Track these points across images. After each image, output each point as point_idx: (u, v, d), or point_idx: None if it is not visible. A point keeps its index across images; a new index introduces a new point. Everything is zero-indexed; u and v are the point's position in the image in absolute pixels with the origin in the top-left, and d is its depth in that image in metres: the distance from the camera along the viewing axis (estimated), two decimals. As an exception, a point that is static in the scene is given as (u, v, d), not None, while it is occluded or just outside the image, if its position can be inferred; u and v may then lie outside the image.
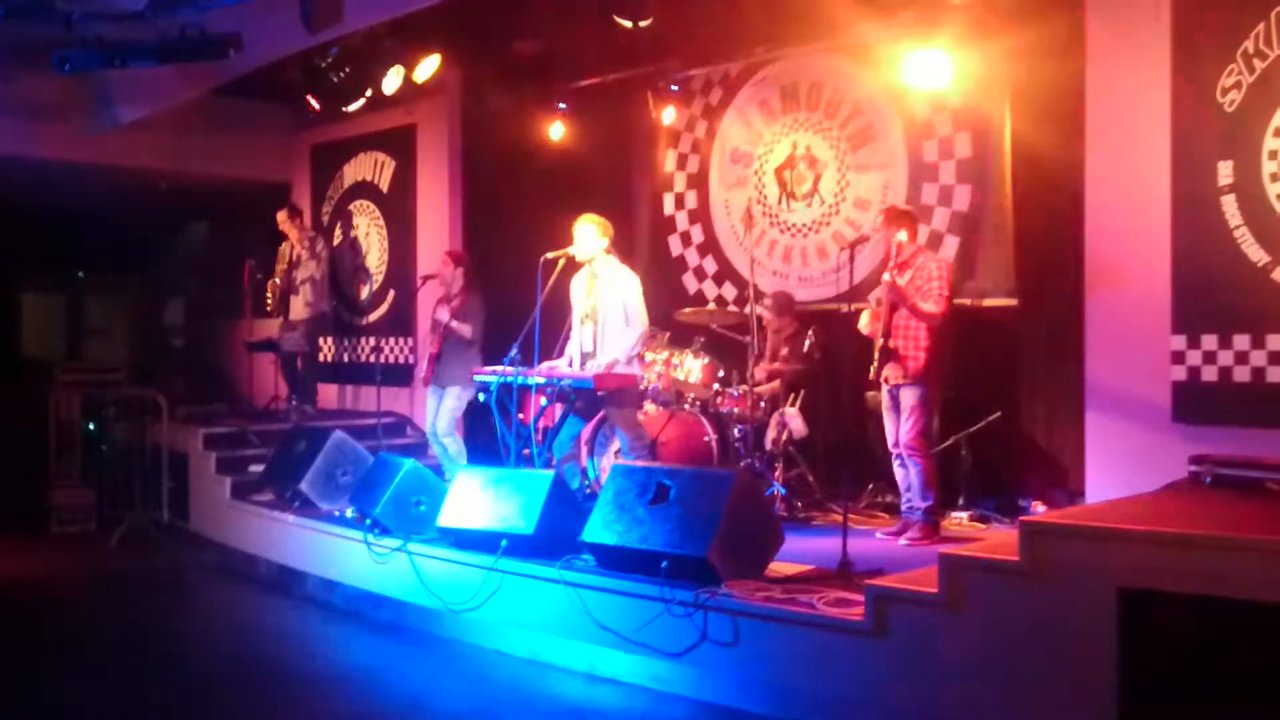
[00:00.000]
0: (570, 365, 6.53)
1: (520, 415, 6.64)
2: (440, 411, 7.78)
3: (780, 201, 8.61)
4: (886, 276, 6.10)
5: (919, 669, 4.29)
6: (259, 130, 10.98)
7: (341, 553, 6.75)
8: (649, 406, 7.53)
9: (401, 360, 10.12)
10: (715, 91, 9.01)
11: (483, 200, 9.71)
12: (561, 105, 9.34)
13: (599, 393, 6.27)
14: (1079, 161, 6.39)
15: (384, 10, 7.43)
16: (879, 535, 6.35)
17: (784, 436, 7.22)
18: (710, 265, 9.08)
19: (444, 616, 5.99)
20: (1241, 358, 5.73)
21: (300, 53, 8.17)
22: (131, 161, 10.17)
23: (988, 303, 7.35)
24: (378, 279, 10.40)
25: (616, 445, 7.02)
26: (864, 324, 6.31)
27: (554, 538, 5.57)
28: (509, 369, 6.34)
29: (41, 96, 8.61)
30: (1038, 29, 6.93)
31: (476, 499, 5.92)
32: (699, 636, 4.84)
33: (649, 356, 7.51)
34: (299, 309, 9.85)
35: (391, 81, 8.76)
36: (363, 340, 10.52)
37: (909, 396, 6.09)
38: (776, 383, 7.53)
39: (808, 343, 7.48)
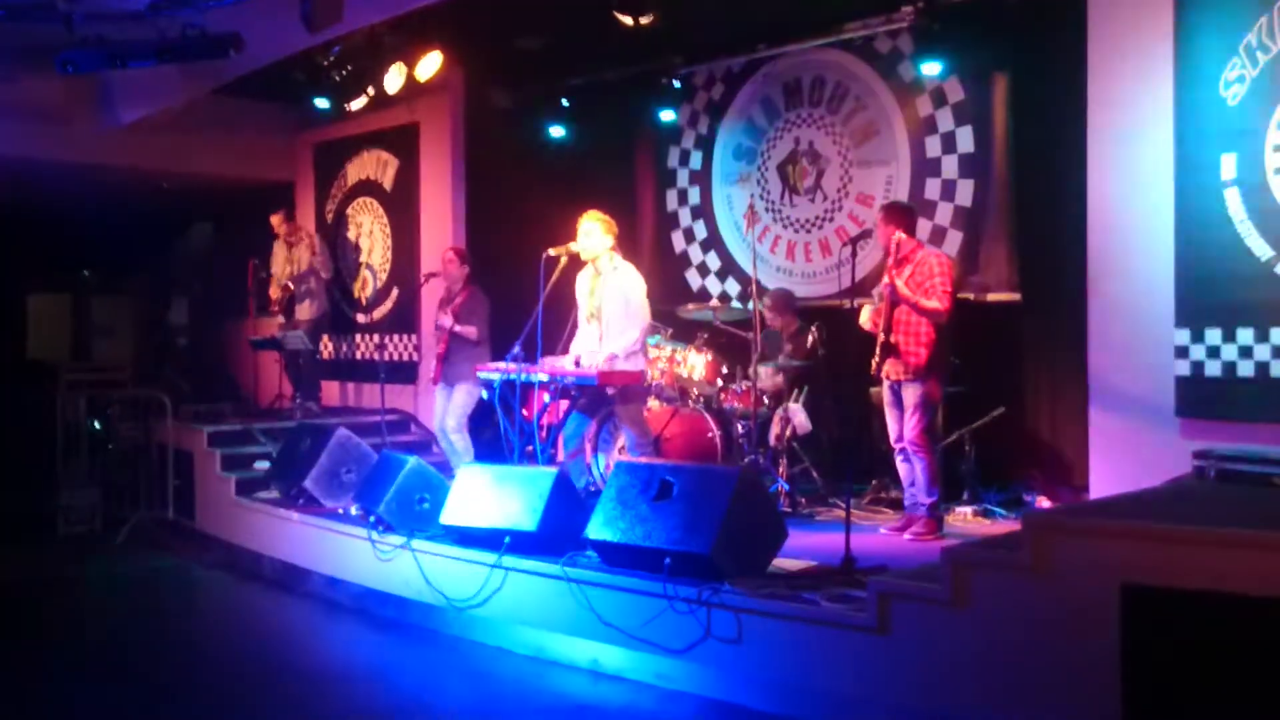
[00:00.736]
0: (575, 363, 6.52)
1: (524, 412, 6.64)
2: (449, 409, 7.81)
3: (783, 197, 8.60)
4: (886, 278, 6.09)
5: (923, 665, 4.29)
6: (261, 130, 10.99)
7: (346, 550, 6.76)
8: (653, 403, 7.53)
9: (405, 358, 10.13)
10: (717, 87, 9.00)
11: (486, 198, 9.72)
12: (564, 102, 9.34)
13: (604, 389, 6.27)
14: (1081, 155, 6.37)
15: (384, 9, 7.43)
16: (882, 531, 6.34)
17: (787, 432, 7.22)
18: (713, 261, 9.08)
19: (448, 613, 5.99)
20: (1245, 352, 5.71)
21: (302, 52, 8.17)
22: (134, 162, 10.19)
23: (991, 297, 7.35)
24: (381, 277, 10.42)
25: (621, 442, 7.03)
26: (865, 320, 6.31)
27: (557, 535, 5.57)
28: (512, 366, 6.34)
29: (44, 98, 8.62)
30: (1040, 23, 6.92)
31: (480, 496, 5.92)
32: (702, 633, 4.84)
33: (653, 353, 7.52)
34: (305, 309, 9.87)
35: (394, 80, 8.78)
36: (367, 338, 10.53)
37: (911, 392, 6.08)
38: (780, 378, 7.53)
39: (811, 339, 7.48)
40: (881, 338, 6.08)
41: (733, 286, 8.90)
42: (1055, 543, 3.99)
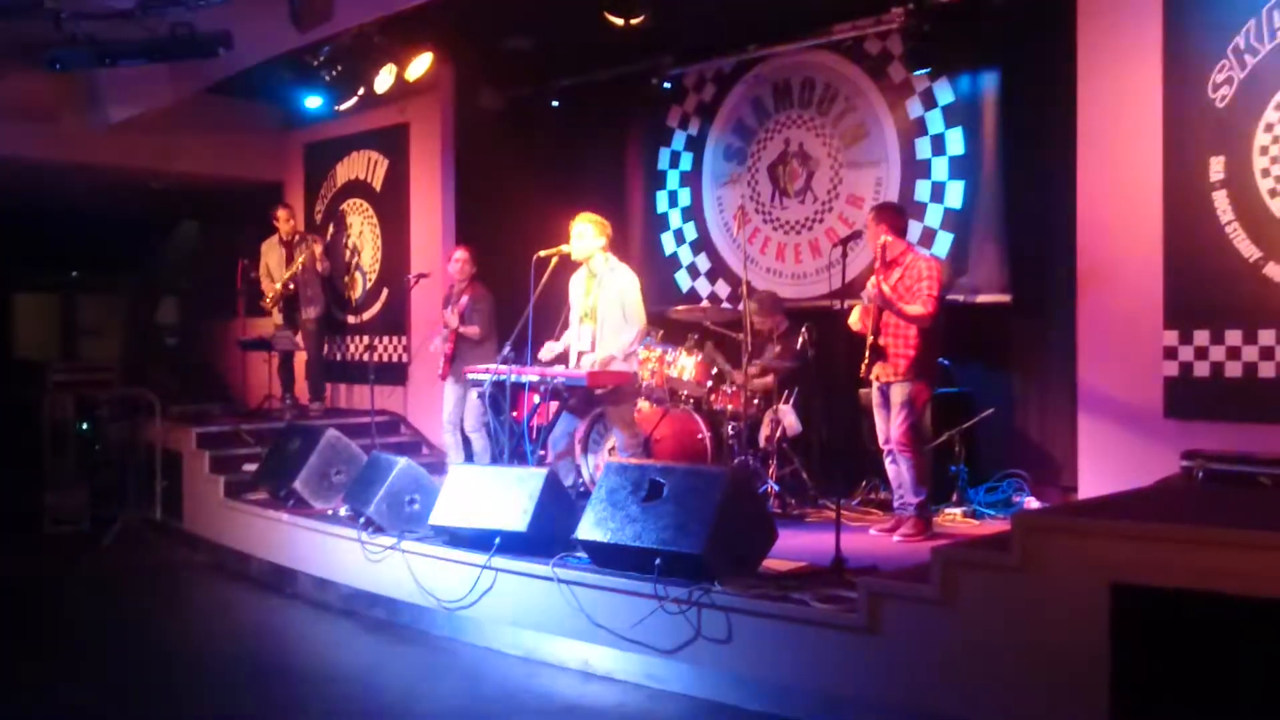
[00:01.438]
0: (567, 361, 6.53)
1: (514, 413, 6.64)
2: (466, 409, 7.88)
3: (773, 199, 8.61)
4: (873, 280, 6.10)
5: (912, 665, 4.30)
6: (250, 129, 10.96)
7: (335, 551, 6.75)
8: (643, 404, 7.53)
9: (395, 359, 10.11)
10: (708, 89, 9.01)
11: (475, 198, 9.70)
12: (554, 103, 9.33)
13: (594, 390, 6.27)
14: (1071, 157, 6.40)
15: (374, 8, 7.42)
16: (872, 532, 6.35)
17: (777, 433, 7.22)
18: (703, 263, 9.09)
19: (437, 614, 5.98)
20: (1233, 353, 5.74)
21: (291, 51, 8.15)
22: (123, 161, 10.15)
23: (980, 299, 7.37)
24: (371, 278, 10.39)
25: (611, 443, 7.02)
26: (854, 321, 6.32)
27: (548, 535, 5.56)
28: (502, 367, 6.34)
29: (32, 96, 8.59)
30: (1029, 25, 6.94)
31: (470, 497, 5.91)
32: (693, 634, 4.84)
33: (642, 354, 7.52)
34: (310, 310, 9.81)
35: (383, 80, 8.76)
36: (356, 339, 10.51)
37: (898, 393, 6.10)
38: (770, 379, 7.53)
39: (801, 339, 7.49)
40: (870, 339, 6.09)
41: (723, 288, 8.90)
42: (1044, 543, 4.01)
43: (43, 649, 5.97)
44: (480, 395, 6.74)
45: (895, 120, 7.86)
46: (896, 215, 6.36)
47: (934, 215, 7.62)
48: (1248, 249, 5.69)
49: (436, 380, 8.37)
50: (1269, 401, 5.58)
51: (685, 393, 7.53)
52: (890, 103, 7.88)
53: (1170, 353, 5.93)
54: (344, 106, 9.17)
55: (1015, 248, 7.26)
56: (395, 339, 10.15)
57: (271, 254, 9.91)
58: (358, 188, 10.54)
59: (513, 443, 6.57)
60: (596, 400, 6.46)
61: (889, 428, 6.19)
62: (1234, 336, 5.73)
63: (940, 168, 7.62)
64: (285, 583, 7.22)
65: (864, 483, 7.33)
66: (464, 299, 7.99)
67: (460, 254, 8.19)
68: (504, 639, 5.66)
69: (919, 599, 4.28)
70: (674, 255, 9.28)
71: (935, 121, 7.64)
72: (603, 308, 6.39)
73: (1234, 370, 5.73)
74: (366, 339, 10.33)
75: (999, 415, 7.03)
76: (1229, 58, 5.75)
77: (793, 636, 4.59)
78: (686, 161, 9.20)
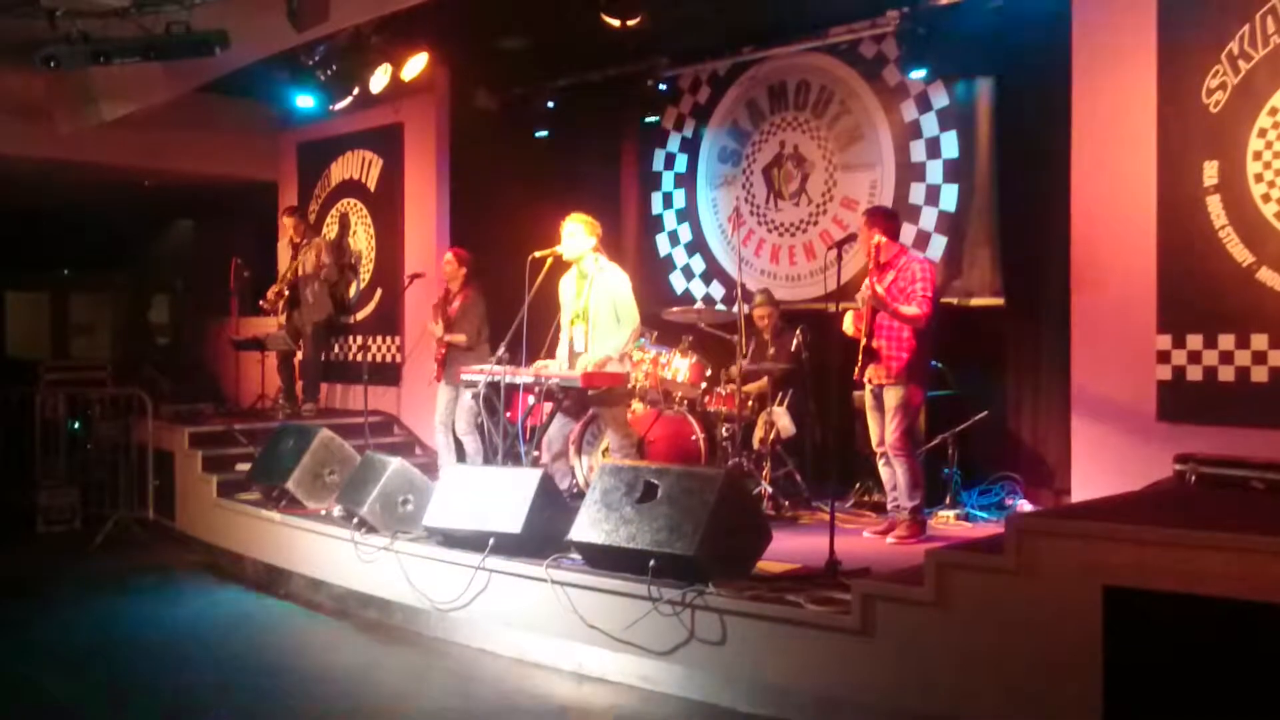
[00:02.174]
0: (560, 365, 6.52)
1: (508, 414, 6.63)
2: (459, 411, 7.89)
3: (768, 201, 8.62)
4: (867, 282, 6.11)
5: (906, 667, 4.30)
6: (245, 128, 10.94)
7: (328, 551, 6.73)
8: (636, 405, 7.53)
9: (389, 359, 10.10)
10: (703, 90, 9.01)
11: (470, 199, 9.70)
12: (549, 104, 9.33)
13: (587, 392, 6.26)
14: (1065, 161, 6.41)
15: (370, 8, 7.41)
16: (866, 534, 6.36)
17: (772, 436, 7.23)
18: (698, 264, 9.09)
19: (430, 615, 5.98)
20: (1226, 357, 5.76)
21: (286, 51, 8.14)
22: (116, 159, 10.13)
23: (974, 302, 7.38)
24: (365, 278, 10.38)
25: (605, 444, 7.02)
26: (848, 325, 6.32)
27: (541, 536, 5.56)
28: (497, 368, 6.33)
29: (25, 94, 8.55)
30: (1024, 28, 6.95)
31: (464, 498, 5.91)
32: (686, 635, 4.85)
33: (636, 355, 7.52)
34: (312, 311, 9.80)
35: (379, 80, 8.76)
36: (350, 339, 10.49)
37: (892, 396, 6.10)
38: (764, 381, 7.54)
39: (795, 342, 7.50)
40: (864, 342, 6.10)
41: (717, 289, 8.91)
42: (1038, 546, 4.02)
43: (34, 649, 5.95)
44: (474, 396, 6.73)
45: (890, 123, 7.87)
46: (890, 218, 6.38)
47: (928, 218, 7.63)
48: (1241, 254, 5.71)
49: (430, 381, 8.38)
50: (1261, 405, 5.60)
51: (679, 394, 7.53)
52: (885, 106, 7.89)
53: (1163, 356, 5.95)
54: (339, 106, 9.17)
55: (1009, 251, 7.27)
56: (389, 339, 10.14)
57: (283, 256, 9.93)
58: (352, 187, 10.53)
59: (507, 444, 6.56)
60: (590, 401, 6.46)
61: (883, 430, 6.20)
62: (1227, 341, 5.75)
63: (935, 171, 7.64)
64: (278, 583, 7.21)
65: (858, 485, 7.33)
66: (455, 303, 7.98)
67: (448, 256, 8.18)
68: (497, 640, 5.66)
69: (912, 601, 4.29)
70: (668, 257, 9.28)
71: (930, 125, 7.65)
72: (594, 308, 6.39)
73: (1227, 374, 5.75)
74: (360, 339, 10.32)
75: (992, 418, 7.04)
76: (1223, 63, 5.77)
77: (786, 638, 4.59)
78: (681, 163, 9.20)
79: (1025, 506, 6.82)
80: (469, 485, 5.96)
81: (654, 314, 8.05)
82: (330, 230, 10.61)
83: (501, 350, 6.41)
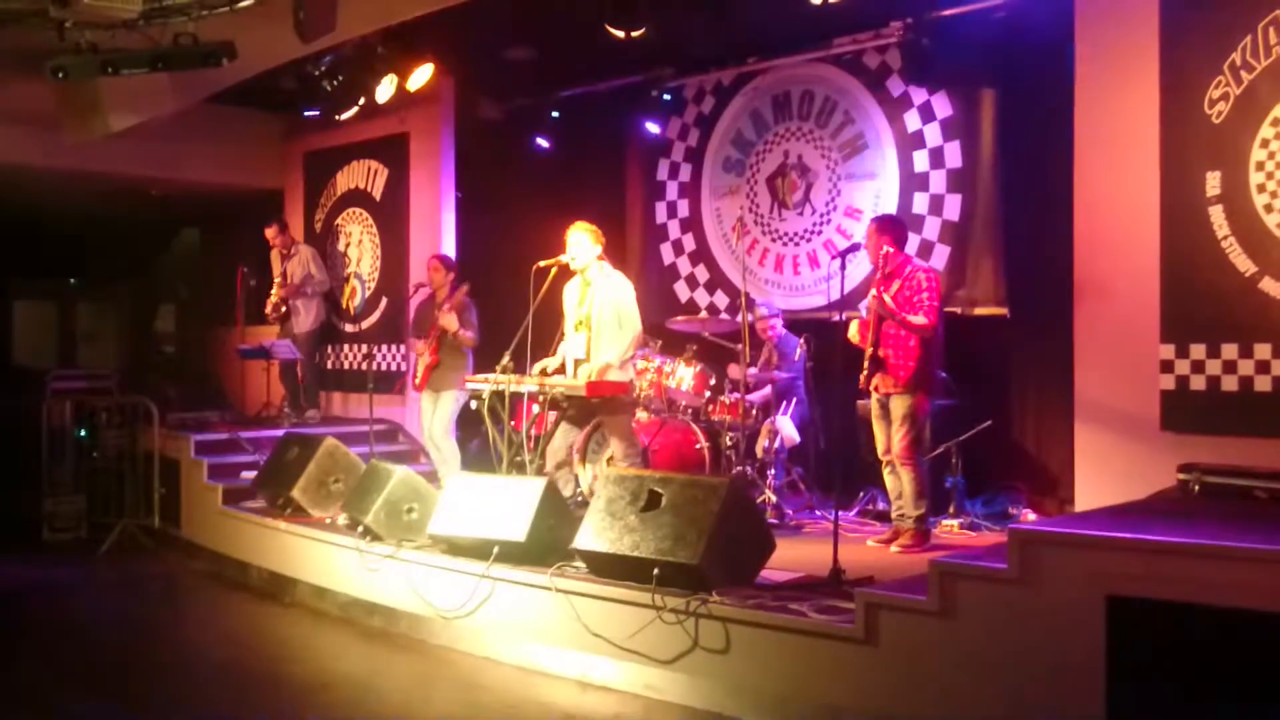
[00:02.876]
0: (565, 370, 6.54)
1: (512, 422, 6.65)
2: (437, 416, 7.83)
3: (772, 210, 8.64)
4: (874, 291, 6.12)
5: (909, 676, 4.31)
6: (251, 138, 10.99)
7: (333, 559, 6.75)
8: (641, 414, 7.55)
9: (394, 367, 10.13)
10: (707, 100, 9.05)
11: (475, 209, 9.73)
12: (554, 114, 9.36)
13: (592, 400, 6.28)
14: (1068, 171, 6.43)
15: (376, 19, 7.45)
16: (870, 543, 6.36)
17: (775, 444, 7.24)
18: (702, 274, 9.11)
19: (435, 623, 5.99)
20: (1229, 367, 5.76)
21: (293, 61, 8.18)
22: (124, 169, 10.18)
23: (978, 311, 7.39)
24: (370, 286, 10.41)
25: (609, 452, 7.03)
26: (853, 334, 6.33)
27: (546, 545, 5.57)
28: (501, 377, 6.36)
29: (34, 104, 8.59)
30: (1027, 39, 6.98)
31: (468, 506, 5.92)
32: (690, 644, 4.85)
33: (640, 364, 7.53)
34: (301, 321, 9.86)
35: (384, 90, 8.80)
36: (355, 347, 10.52)
37: (900, 406, 6.11)
38: (768, 390, 7.56)
39: (799, 351, 7.51)
40: (869, 351, 6.11)
41: (721, 299, 8.93)
42: (1041, 555, 4.02)
43: (41, 657, 5.96)
44: (476, 405, 6.74)
45: (894, 133, 7.89)
46: (898, 227, 6.38)
47: (931, 228, 7.65)
48: (1244, 264, 5.72)
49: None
50: (1265, 415, 5.60)
51: (683, 403, 7.55)
52: (889, 116, 7.92)
53: (1167, 366, 5.96)
54: (345, 116, 9.21)
55: (1012, 261, 7.29)
56: (394, 348, 10.16)
57: (276, 266, 10.00)
58: (357, 197, 10.57)
59: (511, 453, 6.58)
60: (594, 410, 6.48)
61: (888, 439, 6.21)
62: (1230, 350, 5.76)
63: (938, 180, 7.66)
64: (283, 591, 7.23)
65: (862, 494, 7.34)
66: (445, 307, 7.91)
67: (433, 262, 8.17)
68: (502, 648, 5.67)
69: (916, 610, 4.30)
70: (673, 265, 9.30)
71: (933, 135, 7.67)
72: (597, 315, 6.41)
73: (1230, 384, 5.75)
74: (365, 347, 10.33)
75: (996, 427, 7.04)
76: (1225, 74, 5.78)
77: (790, 647, 4.60)
78: (685, 172, 9.23)
79: (1029, 516, 6.83)
80: (474, 494, 5.97)
81: (658, 323, 8.08)
82: (342, 238, 10.65)
83: (506, 359, 6.43)
